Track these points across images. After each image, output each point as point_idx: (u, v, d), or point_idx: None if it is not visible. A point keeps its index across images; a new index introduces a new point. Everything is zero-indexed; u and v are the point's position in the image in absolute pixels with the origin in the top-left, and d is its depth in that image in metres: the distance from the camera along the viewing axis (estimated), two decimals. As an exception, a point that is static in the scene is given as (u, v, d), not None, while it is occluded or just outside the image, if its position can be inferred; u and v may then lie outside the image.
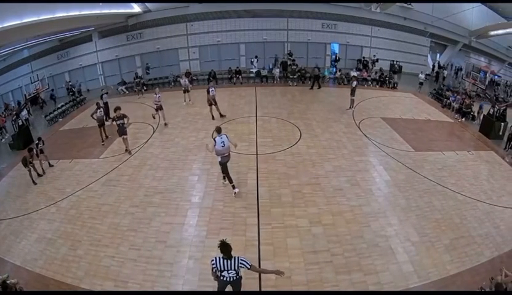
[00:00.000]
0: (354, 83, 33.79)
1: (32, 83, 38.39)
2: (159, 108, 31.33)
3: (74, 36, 48.90)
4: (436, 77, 49.21)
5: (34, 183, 24.50)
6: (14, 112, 35.74)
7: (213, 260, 11.51)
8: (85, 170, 25.34)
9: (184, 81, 37.83)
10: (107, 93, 37.89)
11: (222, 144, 19.73)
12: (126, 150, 26.73)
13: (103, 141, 29.23)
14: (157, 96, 31.19)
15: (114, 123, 25.89)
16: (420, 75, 43.29)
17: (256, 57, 48.83)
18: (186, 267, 15.55)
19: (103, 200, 21.22)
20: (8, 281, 15.07)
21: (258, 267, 12.41)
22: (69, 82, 49.28)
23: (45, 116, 38.73)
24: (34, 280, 15.83)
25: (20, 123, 33.32)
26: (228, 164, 20.79)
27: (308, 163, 23.84)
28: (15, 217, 20.86)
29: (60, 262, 16.62)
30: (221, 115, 32.47)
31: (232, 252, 11.46)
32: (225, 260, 11.32)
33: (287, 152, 25.41)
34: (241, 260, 11.35)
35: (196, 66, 51.54)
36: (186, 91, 37.83)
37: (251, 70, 48.17)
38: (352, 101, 34.23)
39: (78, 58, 51.19)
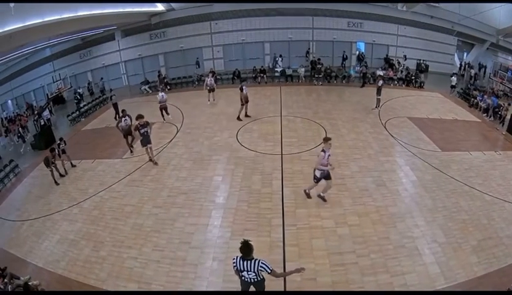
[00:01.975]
0: (380, 82, 33.46)
1: (54, 82, 38.98)
2: None
3: (96, 35, 49.26)
4: (474, 77, 47.31)
5: (56, 183, 24.65)
6: (36, 112, 36.13)
7: (234, 258, 11.43)
8: (108, 170, 25.48)
9: (210, 80, 37.50)
10: (115, 95, 38.35)
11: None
12: (150, 160, 25.89)
13: (131, 150, 28.29)
14: None
15: (137, 132, 25.16)
16: (453, 77, 41.95)
17: (280, 56, 48.80)
18: (210, 268, 15.51)
19: (126, 200, 21.31)
20: (30, 283, 15.20)
21: (279, 272, 12.14)
22: (79, 88, 48.68)
23: (67, 116, 38.96)
24: (56, 282, 15.90)
25: (42, 123, 33.56)
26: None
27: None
28: (37, 218, 21.00)
29: (82, 264, 16.70)
30: (247, 115, 32.36)
31: (257, 254, 11.35)
32: (244, 261, 11.20)
33: (313, 152, 25.09)
34: (262, 263, 11.15)
35: (220, 65, 51.50)
36: (211, 90, 37.61)
37: (276, 69, 48.03)
38: (379, 101, 33.93)
39: (101, 57, 51.59)
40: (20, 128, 36.01)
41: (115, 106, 36.77)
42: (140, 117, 24.58)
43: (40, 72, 50.33)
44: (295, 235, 17.09)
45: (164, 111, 33.50)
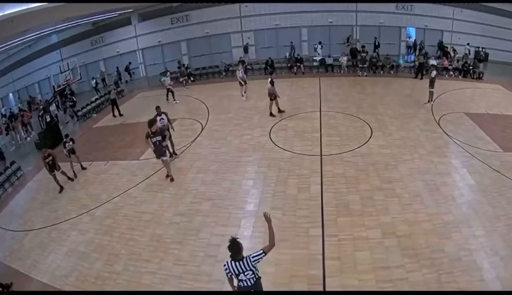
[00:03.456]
0: (434, 73, 32.81)
1: (61, 73, 38.94)
2: None
3: (110, 19, 49.63)
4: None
5: (61, 189, 24.56)
6: (41, 107, 36.38)
7: (225, 264, 11.41)
8: (123, 173, 25.62)
9: (241, 72, 37.20)
10: (115, 89, 39.27)
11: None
12: (167, 176, 24.27)
13: (172, 155, 26.78)
14: None
15: (149, 140, 23.16)
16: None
17: (320, 43, 48.13)
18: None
19: (143, 207, 21.32)
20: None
21: (268, 243, 11.82)
22: (92, 79, 49.91)
23: (77, 111, 39.45)
24: (64, 299, 16.00)
25: (48, 119, 33.65)
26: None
27: (380, 165, 23.31)
28: (43, 228, 21.15)
29: (93, 280, 16.74)
30: (280, 110, 32.14)
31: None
32: (237, 262, 11.23)
33: (356, 153, 24.94)
34: (253, 256, 11.25)
35: (250, 53, 51.50)
36: (242, 83, 37.26)
37: (314, 58, 47.28)
38: (431, 94, 33.20)
39: (115, 44, 52.17)
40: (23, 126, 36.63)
41: (113, 102, 37.56)
42: (151, 123, 23.23)
43: (45, 61, 51.10)
44: (336, 247, 16.84)
45: (171, 93, 38.95)
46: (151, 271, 16.52)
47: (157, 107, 26.83)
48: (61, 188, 24.63)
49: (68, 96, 43.62)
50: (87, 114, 39.37)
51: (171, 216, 20.11)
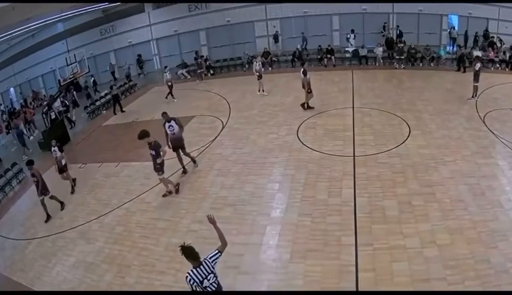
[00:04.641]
0: (478, 65, 32.09)
1: (68, 65, 38.94)
2: None
3: (121, 6, 49.59)
4: None
5: (47, 217, 23.04)
6: (45, 103, 36.64)
7: (187, 276, 11.36)
8: (136, 176, 25.70)
9: (258, 65, 37.09)
10: (115, 85, 39.38)
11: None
12: (168, 192, 22.89)
13: (184, 172, 25.16)
14: None
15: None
16: None
17: (353, 32, 47.79)
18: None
19: (158, 214, 21.28)
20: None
21: (220, 244, 12.46)
22: (92, 76, 50.16)
23: (85, 107, 39.62)
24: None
25: (53, 117, 33.78)
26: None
27: (419, 167, 22.90)
28: (47, 236, 21.22)
29: (103, 292, 16.79)
30: (309, 107, 31.91)
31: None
32: (198, 269, 11.33)
33: (392, 153, 24.62)
34: (210, 257, 11.55)
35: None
36: (259, 77, 37.00)
37: (346, 49, 47.23)
38: (476, 88, 32.62)
39: (126, 33, 52.24)
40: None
41: (115, 98, 37.91)
42: (142, 135, 20.86)
43: (50, 52, 51.17)
44: (371, 258, 16.59)
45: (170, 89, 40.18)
46: (167, 284, 16.48)
47: (164, 113, 24.73)
48: (48, 217, 23.10)
49: (61, 99, 41.31)
50: (96, 110, 39.54)
51: (188, 223, 20.06)
